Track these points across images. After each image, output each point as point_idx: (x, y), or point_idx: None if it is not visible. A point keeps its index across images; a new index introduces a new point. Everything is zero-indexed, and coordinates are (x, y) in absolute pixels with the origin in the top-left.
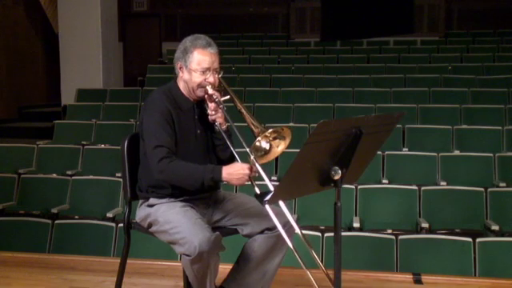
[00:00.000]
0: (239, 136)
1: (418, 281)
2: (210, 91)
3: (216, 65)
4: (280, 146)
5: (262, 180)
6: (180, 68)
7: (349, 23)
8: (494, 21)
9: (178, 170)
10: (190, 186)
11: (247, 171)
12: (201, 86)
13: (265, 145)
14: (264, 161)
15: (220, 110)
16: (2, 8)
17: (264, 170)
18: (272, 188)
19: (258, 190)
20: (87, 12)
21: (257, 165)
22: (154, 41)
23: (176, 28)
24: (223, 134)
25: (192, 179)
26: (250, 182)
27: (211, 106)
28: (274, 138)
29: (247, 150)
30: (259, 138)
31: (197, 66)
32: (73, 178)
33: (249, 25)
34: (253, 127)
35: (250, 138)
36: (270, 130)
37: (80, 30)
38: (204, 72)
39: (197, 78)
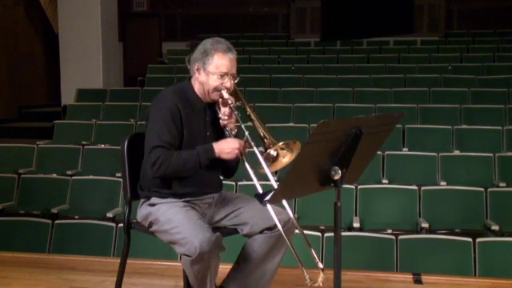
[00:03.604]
0: (253, 145)
1: (417, 281)
2: (226, 96)
3: (234, 70)
4: (286, 158)
5: (268, 180)
6: (197, 69)
7: (349, 23)
8: (494, 21)
9: (172, 165)
10: (189, 173)
11: (237, 145)
12: (217, 89)
13: (273, 152)
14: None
15: (234, 116)
16: (2, 8)
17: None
18: (274, 183)
19: (253, 176)
20: (87, 12)
21: (251, 143)
22: (154, 41)
23: (176, 28)
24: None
25: (188, 168)
26: (241, 158)
27: (224, 110)
28: (282, 149)
29: (256, 151)
30: (269, 151)
31: (215, 69)
32: (73, 178)
33: (249, 25)
34: (263, 137)
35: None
36: (281, 144)
37: (80, 30)
38: (222, 76)
39: (214, 81)
